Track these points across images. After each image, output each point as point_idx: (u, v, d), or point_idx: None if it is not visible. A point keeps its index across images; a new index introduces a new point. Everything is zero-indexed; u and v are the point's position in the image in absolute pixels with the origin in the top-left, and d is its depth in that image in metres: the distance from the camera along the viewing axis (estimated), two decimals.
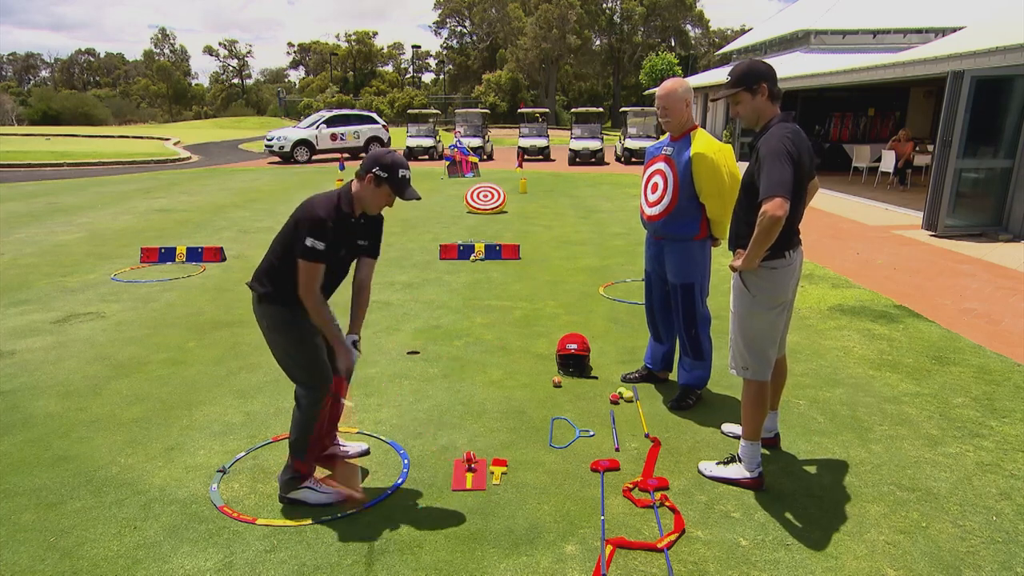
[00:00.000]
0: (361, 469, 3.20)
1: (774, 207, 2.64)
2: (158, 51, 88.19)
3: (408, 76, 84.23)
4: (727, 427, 3.59)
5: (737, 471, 3.09)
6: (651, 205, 3.80)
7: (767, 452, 3.35)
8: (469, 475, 3.17)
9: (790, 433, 3.56)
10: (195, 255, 7.66)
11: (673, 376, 4.22)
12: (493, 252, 7.84)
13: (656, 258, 3.94)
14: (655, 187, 3.78)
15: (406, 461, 3.28)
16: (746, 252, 2.82)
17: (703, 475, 3.16)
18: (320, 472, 3.06)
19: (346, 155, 21.91)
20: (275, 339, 2.86)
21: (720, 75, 26.32)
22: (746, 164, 2.94)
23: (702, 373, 3.92)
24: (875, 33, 21.28)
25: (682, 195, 3.64)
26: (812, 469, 3.24)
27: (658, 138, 4.03)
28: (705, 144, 3.58)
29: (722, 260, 7.77)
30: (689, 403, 3.89)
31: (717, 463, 3.19)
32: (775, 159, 2.70)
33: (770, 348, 3.02)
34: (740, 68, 2.95)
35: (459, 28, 76.50)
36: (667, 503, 2.92)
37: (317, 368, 2.86)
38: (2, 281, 6.78)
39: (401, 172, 2.78)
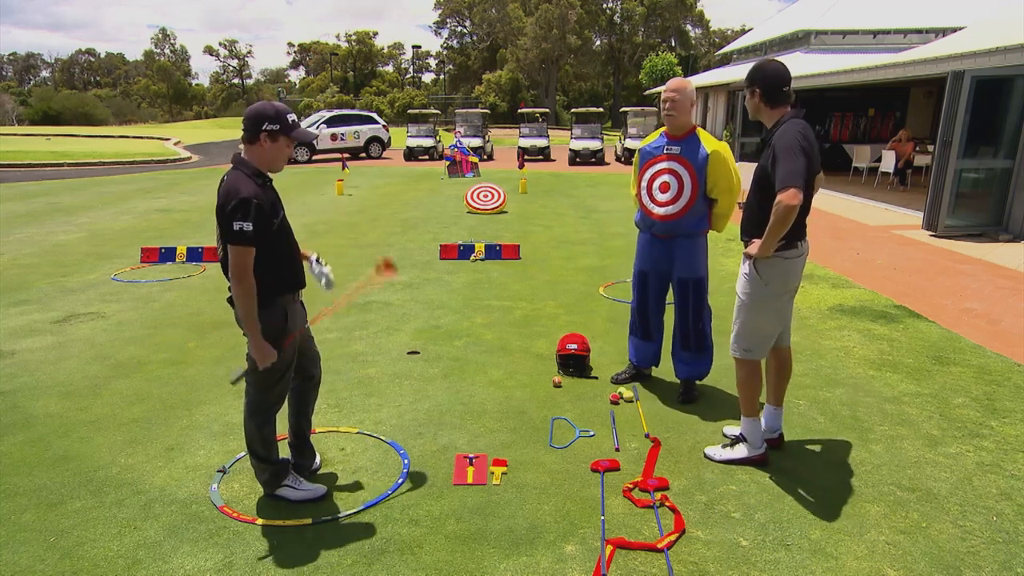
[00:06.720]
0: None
1: (788, 197, 2.80)
2: (158, 51, 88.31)
3: (408, 76, 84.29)
4: (728, 429, 3.60)
5: (744, 450, 3.23)
6: (663, 205, 3.82)
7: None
8: (470, 469, 3.18)
9: (790, 433, 3.56)
10: (195, 255, 7.65)
11: (660, 372, 4.32)
12: (493, 252, 7.84)
13: (663, 256, 3.94)
14: (665, 187, 3.81)
15: (406, 461, 3.28)
16: (762, 240, 2.94)
17: (712, 460, 3.26)
18: None
19: (347, 155, 21.92)
20: None
21: (720, 75, 26.34)
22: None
23: (707, 365, 4.04)
24: (875, 33, 21.28)
25: (700, 193, 3.76)
26: (812, 469, 3.24)
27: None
28: (715, 142, 3.77)
29: (721, 260, 7.85)
30: (696, 395, 4.04)
31: (723, 446, 3.32)
32: (789, 152, 2.85)
33: (774, 331, 3.20)
34: (753, 67, 3.18)
35: (459, 28, 76.56)
36: (667, 503, 2.92)
37: None
38: (2, 281, 6.78)
39: (289, 117, 2.68)
